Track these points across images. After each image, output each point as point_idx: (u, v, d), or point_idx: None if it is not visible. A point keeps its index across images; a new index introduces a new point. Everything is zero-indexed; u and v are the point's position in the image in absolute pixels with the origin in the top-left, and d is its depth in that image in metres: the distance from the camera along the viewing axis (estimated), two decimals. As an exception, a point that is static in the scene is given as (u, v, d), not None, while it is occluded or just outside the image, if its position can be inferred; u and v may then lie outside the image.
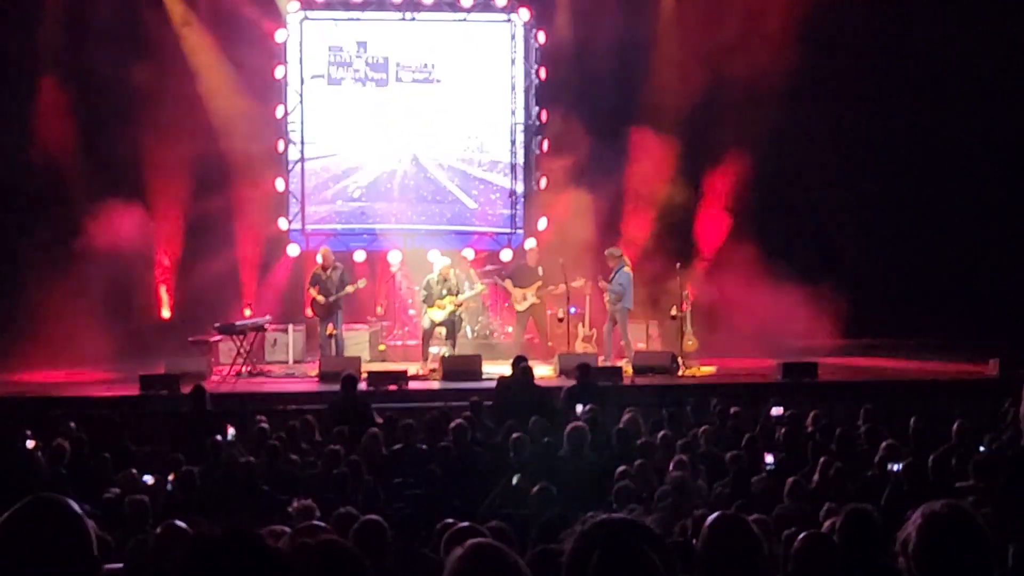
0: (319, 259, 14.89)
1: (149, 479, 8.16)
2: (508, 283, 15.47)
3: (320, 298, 14.50)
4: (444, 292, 14.35)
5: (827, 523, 5.57)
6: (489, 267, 16.67)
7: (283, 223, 17.21)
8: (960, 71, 16.88)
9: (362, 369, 13.49)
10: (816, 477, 7.48)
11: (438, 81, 17.42)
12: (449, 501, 7.60)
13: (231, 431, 9.96)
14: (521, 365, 11.46)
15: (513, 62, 17.69)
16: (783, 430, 9.29)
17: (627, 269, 14.68)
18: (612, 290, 14.53)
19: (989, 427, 9.15)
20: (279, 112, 17.19)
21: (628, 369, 13.89)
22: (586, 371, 11.57)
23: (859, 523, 4.84)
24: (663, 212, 16.59)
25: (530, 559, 4.07)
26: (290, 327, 15.53)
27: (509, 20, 17.66)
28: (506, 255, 17.20)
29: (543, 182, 17.52)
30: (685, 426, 9.73)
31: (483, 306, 16.32)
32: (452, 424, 9.33)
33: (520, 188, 17.77)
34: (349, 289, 14.55)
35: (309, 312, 15.80)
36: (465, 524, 4.86)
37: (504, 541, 2.40)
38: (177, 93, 16.06)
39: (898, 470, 7.61)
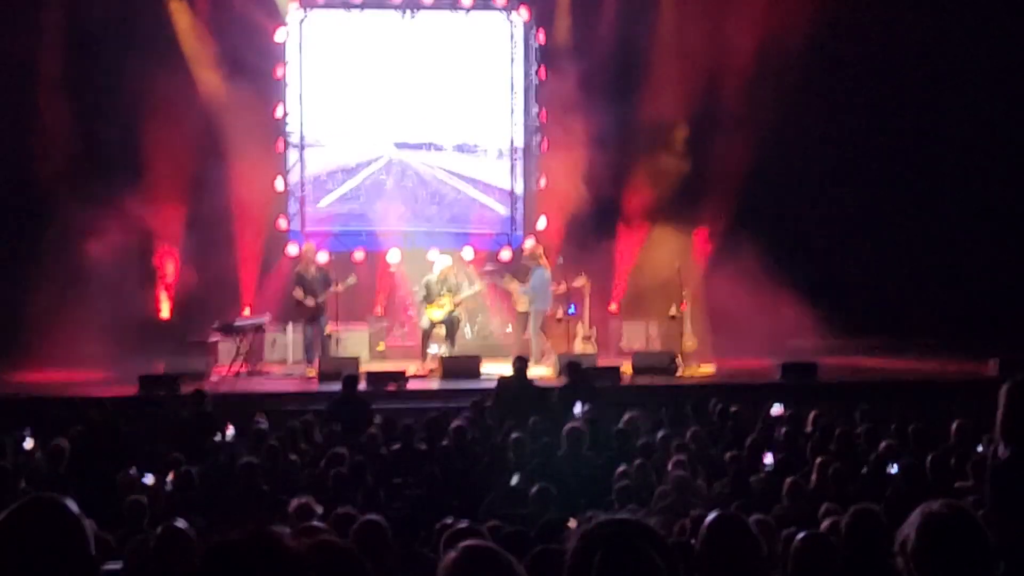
0: (306, 255, 14.82)
1: (149, 479, 8.16)
2: (507, 283, 15.47)
3: (309, 300, 14.40)
4: (443, 292, 14.35)
5: (826, 523, 5.57)
6: (489, 267, 16.67)
7: (283, 223, 17.21)
8: (959, 71, 16.89)
9: (361, 369, 13.50)
10: (815, 477, 7.48)
11: (438, 81, 17.40)
12: (449, 501, 7.60)
13: (231, 431, 9.96)
14: (516, 365, 11.49)
15: (513, 61, 17.69)
16: (783, 430, 9.28)
17: (543, 270, 14.71)
18: (524, 291, 14.58)
19: (988, 427, 9.12)
20: (279, 112, 17.19)
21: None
22: (576, 370, 11.56)
23: (865, 523, 4.84)
24: (661, 212, 16.58)
25: (531, 559, 4.07)
26: (289, 327, 15.52)
27: (509, 19, 17.66)
28: (506, 255, 17.19)
29: (543, 182, 17.52)
30: (685, 426, 9.73)
31: (483, 306, 16.32)
32: (452, 424, 9.34)
33: (520, 188, 17.77)
34: (340, 287, 14.50)
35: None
36: (465, 524, 4.87)
37: (506, 542, 2.39)
38: (177, 93, 16.03)
39: (897, 470, 7.61)
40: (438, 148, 17.57)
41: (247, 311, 16.07)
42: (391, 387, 12.94)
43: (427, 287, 14.40)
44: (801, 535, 4.46)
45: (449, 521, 5.42)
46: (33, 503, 2.43)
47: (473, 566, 2.30)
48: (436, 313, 14.36)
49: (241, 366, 14.43)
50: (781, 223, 16.72)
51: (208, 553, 2.13)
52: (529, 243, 16.14)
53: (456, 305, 14.50)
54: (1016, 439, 4.73)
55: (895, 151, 17.35)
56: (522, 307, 15.29)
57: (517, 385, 11.36)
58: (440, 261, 14.74)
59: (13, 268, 15.15)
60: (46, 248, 15.17)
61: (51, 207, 15.61)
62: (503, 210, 17.76)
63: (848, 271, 16.93)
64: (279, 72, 17.17)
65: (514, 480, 7.91)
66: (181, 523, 4.85)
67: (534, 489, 7.11)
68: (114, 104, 15.88)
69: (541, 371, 14.17)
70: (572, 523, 6.74)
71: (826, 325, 15.72)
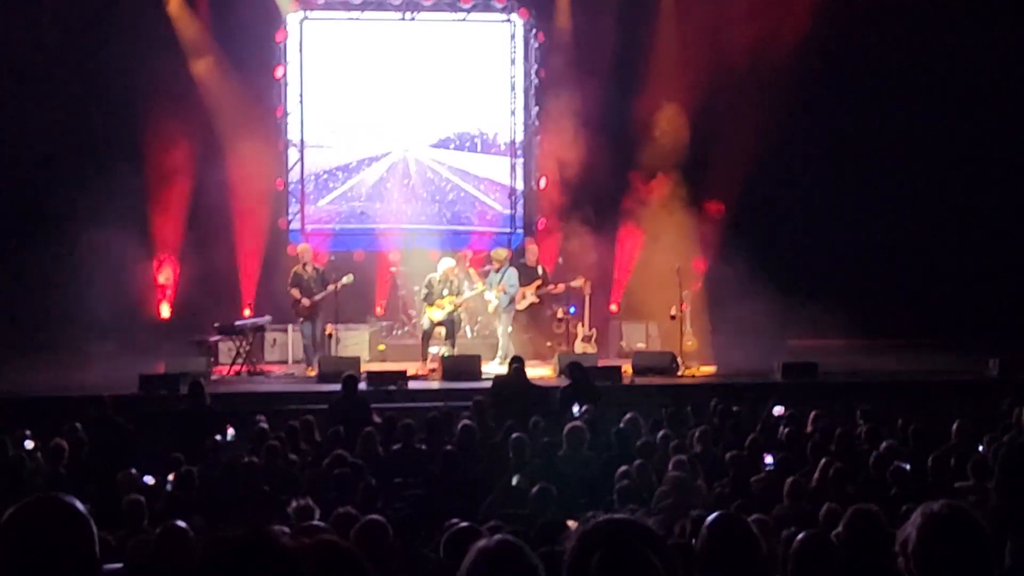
0: (302, 255, 14.84)
1: (149, 479, 8.16)
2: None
3: (305, 300, 14.41)
4: (445, 292, 14.37)
5: (827, 523, 5.57)
6: (489, 267, 16.66)
7: (283, 223, 17.21)
8: (958, 71, 16.89)
9: (362, 369, 13.49)
10: (816, 477, 7.47)
11: (438, 81, 17.41)
12: (449, 501, 7.60)
13: (231, 431, 9.96)
14: (513, 366, 11.49)
15: (513, 62, 17.70)
16: (785, 430, 9.27)
17: (513, 269, 14.79)
18: (508, 291, 14.62)
19: (989, 427, 9.15)
20: (279, 113, 17.19)
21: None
22: (578, 370, 11.55)
23: (865, 523, 4.84)
24: (661, 211, 16.57)
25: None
26: (290, 327, 15.52)
27: (509, 20, 17.67)
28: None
29: (543, 182, 17.53)
30: (685, 426, 9.73)
31: (484, 307, 16.29)
32: (459, 425, 9.34)
33: (520, 187, 17.78)
34: (331, 288, 14.52)
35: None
36: (465, 524, 4.86)
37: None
38: (178, 94, 16.06)
39: (897, 470, 7.61)
40: (439, 147, 17.58)
41: (247, 311, 16.07)
42: (391, 387, 12.93)
43: (429, 286, 14.43)
44: (801, 535, 4.46)
45: (450, 521, 5.42)
46: (39, 502, 2.43)
47: (504, 560, 2.31)
48: (436, 314, 14.38)
49: (241, 366, 14.44)
50: (781, 223, 16.73)
51: (206, 551, 2.13)
52: (528, 242, 16.17)
53: (457, 306, 14.51)
54: None
55: (896, 151, 17.35)
56: (521, 307, 15.26)
57: (514, 385, 11.35)
58: (444, 262, 14.78)
59: (13, 268, 15.14)
60: (46, 248, 15.17)
61: (51, 207, 15.62)
62: (503, 210, 17.77)
63: (849, 271, 16.93)
64: (279, 72, 17.18)
65: (515, 480, 7.90)
66: (181, 523, 4.85)
67: (535, 489, 7.10)
68: (114, 104, 15.89)
69: (542, 371, 14.19)
70: (571, 523, 6.73)
71: (826, 325, 15.72)
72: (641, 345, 15.85)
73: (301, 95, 17.32)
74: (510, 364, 11.69)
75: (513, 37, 17.72)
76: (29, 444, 9.28)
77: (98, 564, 2.45)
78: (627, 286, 16.93)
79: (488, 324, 16.43)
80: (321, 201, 17.51)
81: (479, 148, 17.75)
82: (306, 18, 17.36)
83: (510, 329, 15.26)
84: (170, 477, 8.20)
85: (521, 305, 15.24)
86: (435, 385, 13.47)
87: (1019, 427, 9.01)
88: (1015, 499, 4.54)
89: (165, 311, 16.54)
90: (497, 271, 14.88)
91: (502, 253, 15.33)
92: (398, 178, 17.52)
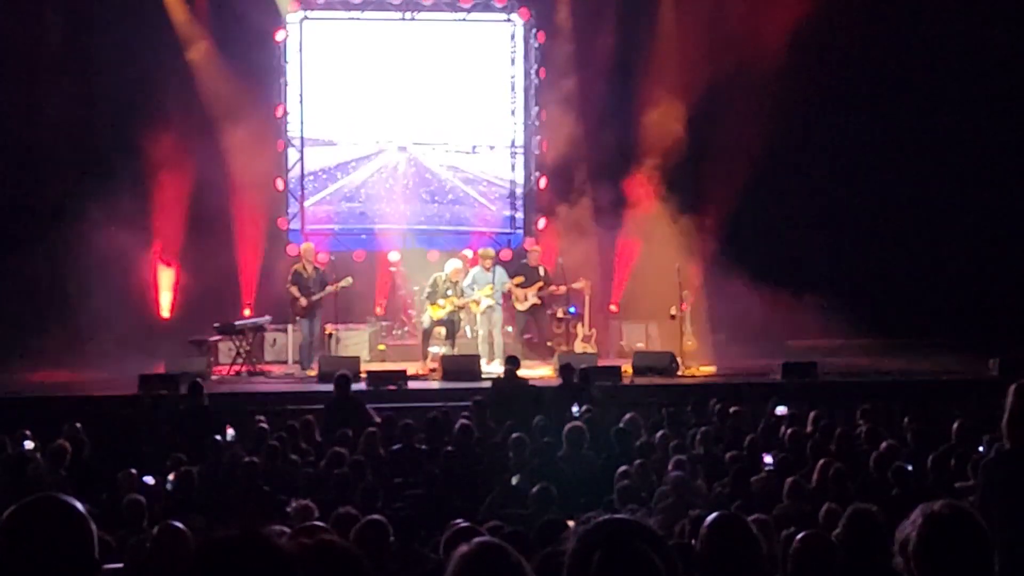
0: (305, 254, 14.86)
1: (149, 479, 8.17)
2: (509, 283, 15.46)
3: (303, 299, 14.43)
4: (449, 292, 14.38)
5: (827, 523, 5.57)
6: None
7: (283, 223, 17.21)
8: (958, 70, 16.89)
9: (361, 369, 13.49)
10: (816, 477, 7.47)
11: (438, 81, 17.41)
12: (450, 501, 7.60)
13: (231, 431, 9.95)
14: (506, 367, 11.49)
15: (513, 62, 17.70)
16: (788, 430, 9.27)
17: (501, 268, 14.87)
18: (500, 290, 14.63)
19: (989, 427, 9.14)
20: (279, 112, 17.19)
21: None
22: (568, 372, 11.55)
23: (862, 523, 4.84)
24: (661, 211, 16.57)
25: (536, 562, 4.07)
26: (289, 327, 15.50)
27: (509, 20, 17.67)
28: (506, 255, 17.19)
29: (543, 182, 17.52)
30: (685, 426, 9.73)
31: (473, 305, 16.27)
32: (457, 425, 9.34)
33: (520, 188, 17.78)
34: (329, 289, 14.53)
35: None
36: (465, 524, 4.87)
37: (506, 542, 2.39)
38: (177, 93, 16.05)
39: (898, 470, 7.61)
40: (439, 148, 17.58)
41: (247, 311, 16.07)
42: (391, 387, 12.93)
43: (434, 285, 14.43)
44: (801, 535, 4.46)
45: (450, 521, 5.42)
46: (40, 502, 2.43)
47: (484, 563, 2.30)
48: (437, 313, 14.38)
49: (241, 366, 14.44)
50: (782, 223, 16.72)
51: (199, 552, 2.13)
52: (530, 243, 16.16)
53: (457, 308, 14.52)
54: (1018, 437, 4.73)
55: (896, 150, 17.34)
56: (522, 308, 15.26)
57: (509, 386, 11.35)
58: (452, 263, 14.81)
59: (12, 268, 15.14)
60: (46, 248, 15.16)
61: (51, 207, 15.61)
62: (503, 210, 17.77)
63: (849, 271, 16.92)
64: (279, 72, 17.16)
65: (515, 480, 7.91)
66: (178, 523, 4.85)
67: (535, 489, 7.10)
68: (113, 103, 15.88)
69: (542, 371, 14.19)
70: (571, 523, 6.73)
71: (826, 325, 15.72)
72: (641, 345, 15.84)
73: (301, 95, 17.31)
74: (504, 365, 11.68)
75: (513, 37, 17.71)
76: (29, 444, 9.28)
77: (98, 564, 2.45)
78: (627, 286, 16.91)
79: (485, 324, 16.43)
80: (315, 197, 17.46)
81: (479, 148, 17.74)
82: (306, 18, 17.35)
83: (509, 328, 15.28)
84: (170, 477, 8.20)
85: (522, 306, 15.23)
86: (435, 385, 13.47)
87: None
88: (996, 508, 4.53)
89: (165, 311, 16.52)
90: (487, 270, 14.84)
91: (491, 252, 15.26)
92: (398, 178, 17.51)
